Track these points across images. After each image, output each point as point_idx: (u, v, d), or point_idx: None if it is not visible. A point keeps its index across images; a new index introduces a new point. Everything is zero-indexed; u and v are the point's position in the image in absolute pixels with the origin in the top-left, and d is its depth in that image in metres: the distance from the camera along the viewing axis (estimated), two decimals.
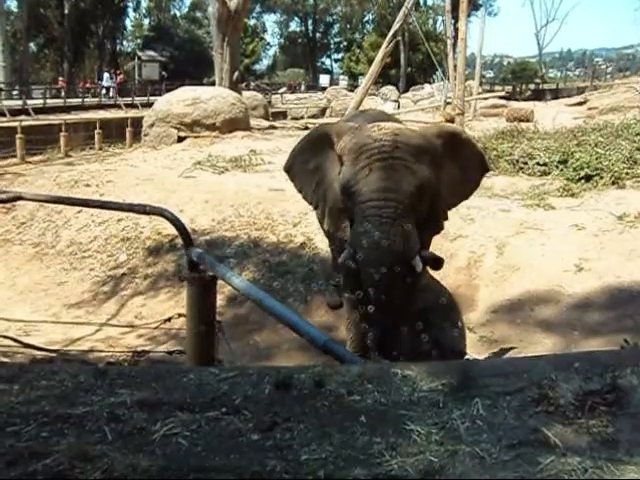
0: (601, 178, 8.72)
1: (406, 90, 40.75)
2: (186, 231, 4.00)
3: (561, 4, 70.54)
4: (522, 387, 1.78)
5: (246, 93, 21.26)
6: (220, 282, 3.59)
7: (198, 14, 54.78)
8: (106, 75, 38.45)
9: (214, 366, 2.95)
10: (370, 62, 17.76)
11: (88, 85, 36.32)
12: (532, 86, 50.97)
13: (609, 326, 5.25)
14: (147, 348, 5.54)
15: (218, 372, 1.90)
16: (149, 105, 19.27)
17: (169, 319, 5.50)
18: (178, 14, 57.25)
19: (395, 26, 15.03)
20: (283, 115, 28.98)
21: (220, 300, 5.55)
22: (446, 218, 4.24)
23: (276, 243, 7.12)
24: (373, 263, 3.47)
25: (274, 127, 18.21)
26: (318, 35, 61.03)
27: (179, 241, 5.36)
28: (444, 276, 6.36)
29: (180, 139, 14.11)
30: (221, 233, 7.56)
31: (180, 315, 5.04)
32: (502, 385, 1.79)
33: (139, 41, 52.90)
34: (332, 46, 62.56)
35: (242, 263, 6.95)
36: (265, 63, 61.44)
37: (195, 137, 13.98)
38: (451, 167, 4.05)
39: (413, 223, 3.62)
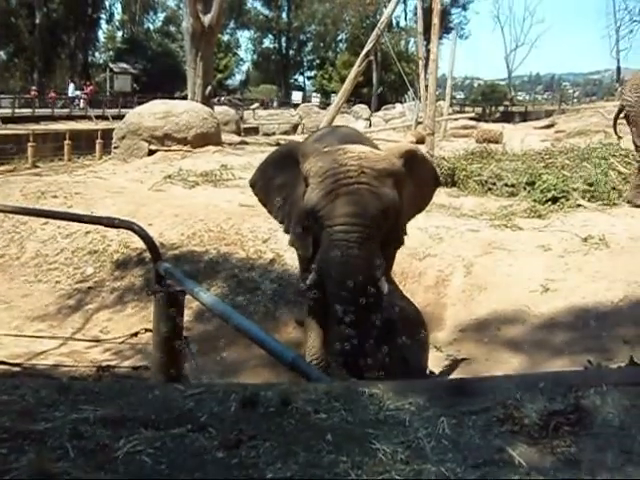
0: (567, 200, 8.88)
1: (378, 109, 41.09)
2: (154, 245, 3.97)
3: (530, 29, 72.05)
4: (488, 407, 1.79)
5: (218, 108, 21.24)
6: (188, 297, 3.57)
7: (172, 28, 54.73)
8: (71, 86, 38.03)
9: (180, 382, 2.91)
10: (342, 80, 17.91)
11: (51, 95, 35.67)
12: (501, 108, 51.85)
13: (574, 346, 5.32)
14: (112, 363, 5.46)
15: (184, 388, 1.88)
16: (120, 117, 19.15)
17: (135, 334, 5.42)
18: (152, 27, 57.21)
19: (368, 46, 15.18)
20: (255, 131, 29.01)
21: (188, 315, 5.50)
22: (405, 233, 4.33)
23: (245, 259, 7.09)
24: (341, 286, 3.56)
25: (246, 142, 18.22)
26: (291, 52, 61.35)
27: (147, 255, 5.31)
28: (412, 294, 6.40)
29: (151, 152, 14.02)
30: (190, 248, 7.50)
31: (147, 330, 4.98)
32: (468, 404, 1.80)
33: (111, 53, 52.65)
34: (305, 63, 62.92)
35: (211, 278, 6.90)
36: (238, 78, 61.56)
37: (166, 151, 13.91)
38: (410, 185, 4.16)
39: (378, 244, 3.74)
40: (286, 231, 4.44)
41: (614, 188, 9.28)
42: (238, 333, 3.24)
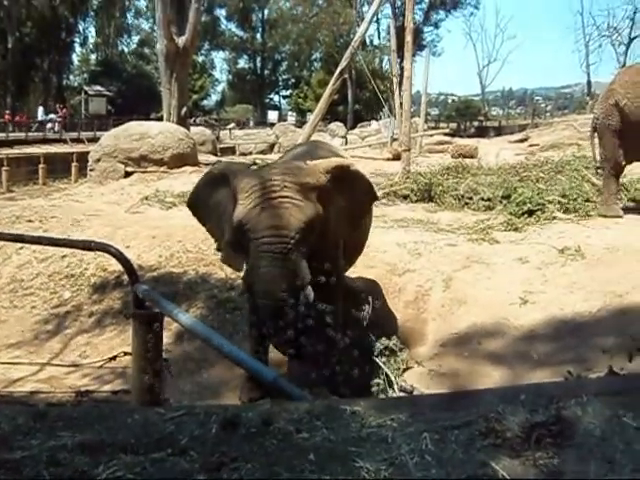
0: (543, 213, 8.96)
1: (353, 126, 41.37)
2: (132, 267, 3.94)
3: (502, 45, 73.16)
4: (470, 420, 1.78)
5: (194, 129, 21.24)
6: (168, 319, 3.55)
7: (146, 50, 54.77)
8: (40, 109, 37.72)
9: (160, 405, 2.88)
10: (318, 99, 18.01)
11: (17, 119, 35.27)
12: (476, 123, 52.45)
13: (554, 357, 5.35)
14: (91, 388, 5.38)
15: (164, 412, 1.86)
16: (96, 140, 19.05)
17: (114, 357, 5.36)
18: (126, 50, 57.18)
19: (342, 64, 15.28)
20: (232, 151, 29.01)
21: (167, 337, 5.45)
22: (337, 247, 4.54)
23: (224, 279, 7.04)
24: (266, 295, 3.81)
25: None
26: (266, 72, 61.64)
27: (125, 278, 5.26)
28: (393, 310, 6.41)
29: (127, 174, 13.95)
30: (169, 269, 7.44)
31: (126, 353, 4.94)
32: (450, 419, 1.80)
33: (86, 75, 52.48)
34: (280, 83, 63.23)
35: (190, 299, 6.84)
36: (214, 99, 61.68)
37: (142, 172, 13.85)
38: (341, 200, 4.36)
39: (304, 256, 3.92)
40: (219, 249, 4.64)
41: (588, 200, 9.39)
42: (218, 354, 3.23)
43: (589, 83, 54.94)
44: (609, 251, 7.17)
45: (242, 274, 4.10)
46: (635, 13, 51.84)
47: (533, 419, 1.78)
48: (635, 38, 50.61)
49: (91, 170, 14.60)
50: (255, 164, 7.03)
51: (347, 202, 4.45)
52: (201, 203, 4.69)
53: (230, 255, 4.42)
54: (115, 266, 6.55)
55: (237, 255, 4.27)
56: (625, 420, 1.85)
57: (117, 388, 5.12)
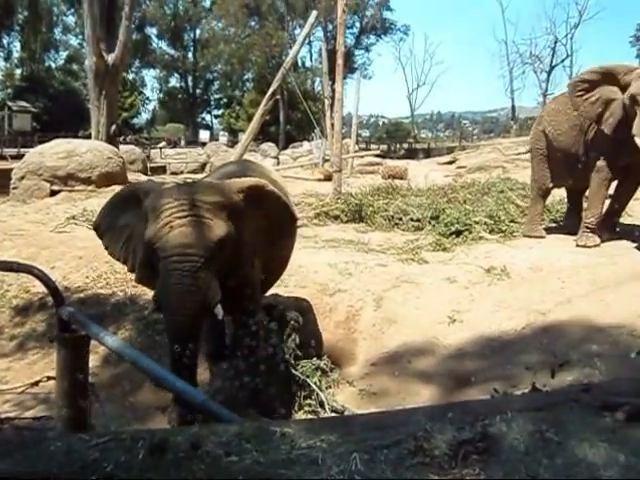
0: (470, 233, 9.20)
1: (285, 147, 41.50)
2: (56, 289, 3.83)
3: (430, 70, 75.04)
4: (399, 440, 1.80)
5: (124, 147, 20.89)
6: (95, 342, 3.46)
7: (75, 66, 53.65)
8: None
9: (86, 432, 2.80)
10: (250, 119, 18.00)
11: None
12: (406, 145, 53.40)
13: (481, 375, 5.46)
14: (12, 414, 5.16)
15: (89, 438, 1.80)
16: (19, 157, 18.45)
17: (37, 383, 5.17)
18: (53, 65, 55.83)
19: (274, 85, 15.35)
20: (162, 170, 28.60)
21: (95, 360, 5.30)
22: (252, 266, 4.55)
23: None
24: (175, 311, 3.83)
25: (152, 181, 17.93)
26: (198, 91, 61.26)
27: (50, 299, 5.10)
28: (323, 330, 6.43)
29: (53, 193, 13.55)
30: (96, 290, 7.26)
31: (49, 378, 4.77)
32: (379, 438, 1.81)
33: (10, 91, 50.92)
34: (212, 102, 62.94)
35: (118, 321, 6.68)
36: (144, 117, 60.77)
37: (69, 191, 13.49)
38: (255, 219, 4.41)
39: (214, 275, 3.95)
40: (131, 270, 4.59)
41: (513, 221, 9.70)
42: (147, 377, 3.17)
43: (513, 108, 56.85)
44: (533, 270, 7.41)
45: (155, 293, 4.06)
46: (556, 43, 54.14)
47: (460, 437, 1.81)
48: (556, 66, 52.80)
49: (14, 188, 14.11)
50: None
51: (262, 222, 4.48)
52: (108, 224, 4.62)
53: (144, 275, 4.40)
54: (39, 287, 6.35)
55: (151, 275, 4.24)
56: (548, 435, 1.90)
57: (40, 414, 4.93)
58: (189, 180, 4.86)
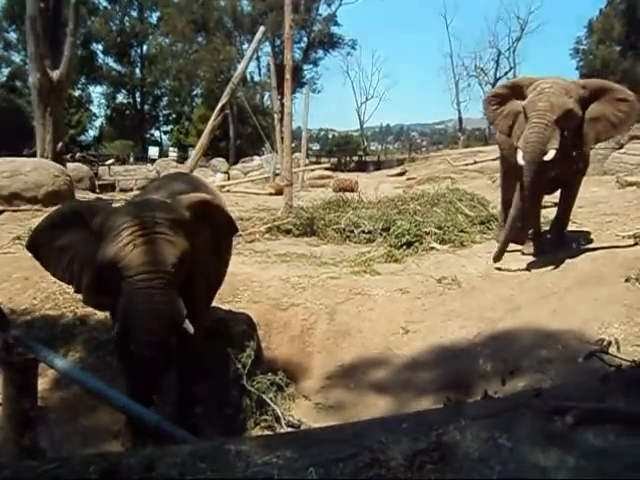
0: (421, 244, 9.29)
1: (236, 162, 41.27)
2: (1, 311, 3.73)
3: (378, 83, 75.93)
4: (355, 452, 1.81)
5: (71, 165, 20.50)
6: (44, 365, 3.37)
7: (18, 83, 52.54)
8: None
9: (35, 458, 2.72)
10: (199, 134, 17.94)
11: None
12: (356, 158, 53.78)
13: (435, 384, 5.52)
14: None
15: (38, 464, 1.76)
16: None
17: None
18: None
19: (223, 100, 15.33)
20: (112, 187, 28.13)
21: (44, 384, 5.17)
22: (204, 280, 4.61)
23: (104, 320, 6.76)
24: (147, 331, 3.72)
25: (101, 200, 17.65)
26: (146, 107, 60.58)
27: None
28: (278, 346, 6.41)
29: None
30: (44, 312, 7.08)
31: None
32: (335, 452, 1.81)
33: None
34: (161, 118, 62.28)
35: (68, 343, 6.53)
36: (92, 134, 59.74)
37: (14, 211, 13.17)
38: (203, 234, 4.41)
39: (177, 290, 3.93)
40: (77, 290, 4.50)
41: (462, 230, 9.83)
42: (99, 399, 3.10)
43: (460, 120, 57.89)
44: (483, 279, 7.53)
45: (116, 315, 3.96)
46: (499, 56, 55.51)
47: (415, 447, 1.83)
48: (500, 78, 53.84)
49: None
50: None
51: (209, 236, 4.50)
52: (46, 245, 4.46)
53: (92, 296, 4.34)
54: None
55: (101, 295, 4.19)
56: (500, 442, 1.94)
57: None
58: (137, 198, 4.75)
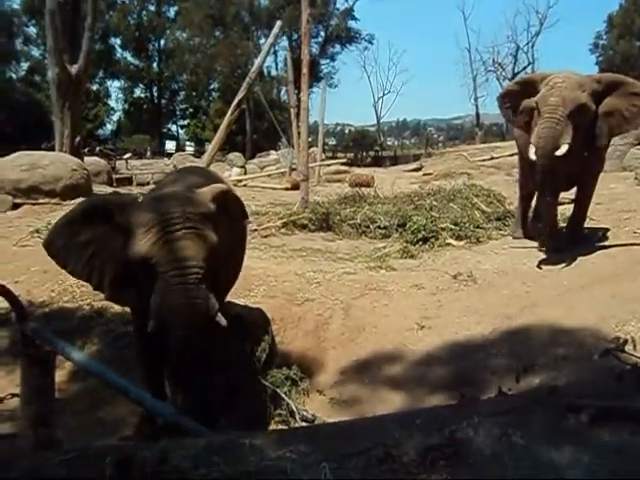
0: (437, 240, 9.27)
1: (252, 156, 41.30)
2: (19, 304, 3.77)
3: (395, 78, 75.64)
4: (368, 447, 1.81)
5: (88, 159, 20.60)
6: (61, 357, 3.41)
7: (37, 78, 52.92)
8: None
9: (52, 449, 2.76)
10: (216, 129, 17.96)
11: None
12: (372, 153, 53.74)
13: (449, 380, 5.51)
14: None
15: (54, 455, 1.78)
16: None
17: (1, 400, 5.07)
18: (15, 77, 54.99)
19: (240, 95, 15.33)
20: (128, 181, 28.25)
21: (61, 376, 5.22)
22: (226, 273, 4.68)
23: (121, 312, 6.83)
24: (185, 326, 3.76)
25: (118, 193, 17.74)
26: (164, 101, 60.82)
27: (14, 315, 5.01)
28: (292, 340, 6.43)
29: (16, 206, 13.32)
30: (61, 304, 7.15)
31: (13, 395, 4.68)
32: (348, 447, 1.82)
33: None
34: (178, 112, 62.51)
35: (86, 335, 6.59)
36: (109, 128, 60.06)
37: (33, 204, 13.27)
38: (225, 225, 4.40)
39: (209, 284, 3.96)
40: (97, 287, 4.49)
41: (478, 226, 9.79)
42: (114, 391, 3.13)
43: (477, 115, 57.59)
44: (498, 275, 7.49)
45: (152, 308, 3.93)
46: (517, 50, 55.12)
47: (428, 442, 1.83)
48: (518, 73, 53.45)
49: None
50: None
51: (230, 226, 4.52)
52: (65, 242, 4.41)
53: (116, 292, 4.36)
54: (2, 302, 6.24)
55: (127, 291, 4.22)
56: (513, 439, 1.94)
57: (4, 432, 4.83)
58: (160, 192, 4.70)
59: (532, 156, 7.19)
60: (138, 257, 3.90)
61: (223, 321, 3.97)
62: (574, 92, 7.07)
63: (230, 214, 4.56)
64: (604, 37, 52.65)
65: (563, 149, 6.97)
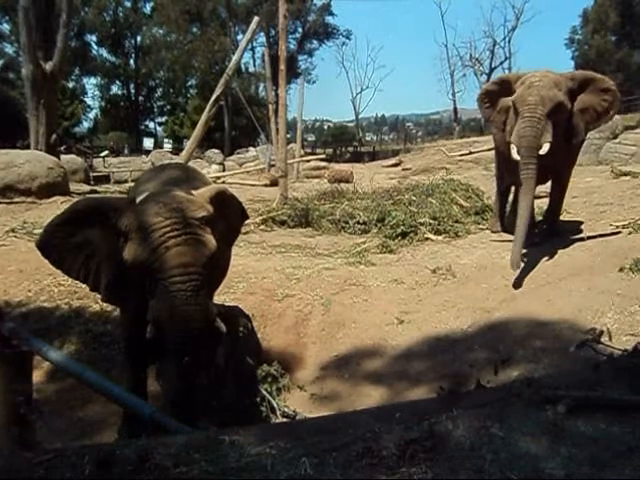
0: (415, 234, 9.32)
1: (231, 153, 41.16)
2: None
3: (373, 74, 75.68)
4: (347, 442, 1.82)
5: (65, 157, 20.40)
6: (39, 357, 3.38)
7: (11, 75, 52.25)
8: None
9: (30, 449, 2.73)
10: (194, 125, 17.82)
11: None
12: (351, 149, 53.71)
13: (429, 374, 5.54)
14: None
15: (32, 456, 1.77)
16: None
17: None
18: None
19: (217, 91, 15.26)
20: (106, 179, 28.03)
21: (39, 376, 5.17)
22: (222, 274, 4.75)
23: (99, 312, 6.79)
24: (184, 332, 3.72)
25: (96, 191, 17.60)
26: (141, 98, 60.37)
27: None
28: (273, 336, 6.42)
29: None
30: (39, 304, 7.08)
31: None
32: (328, 442, 1.83)
33: None
34: (156, 109, 62.07)
35: (63, 335, 6.53)
36: (86, 126, 59.51)
37: (8, 203, 13.13)
38: (221, 224, 4.37)
39: (208, 289, 3.97)
40: (94, 289, 4.43)
41: (457, 221, 9.85)
42: (94, 391, 3.11)
43: (455, 110, 57.85)
44: (477, 269, 7.55)
45: (151, 314, 3.88)
46: (494, 45, 55.44)
47: (407, 436, 1.84)
48: (495, 68, 53.96)
49: None
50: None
51: (225, 227, 4.48)
52: (59, 242, 4.31)
53: (112, 294, 4.30)
54: None
55: (124, 294, 4.17)
56: (492, 431, 1.95)
57: None
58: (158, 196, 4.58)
59: (515, 156, 7.25)
60: (138, 261, 3.86)
61: (222, 327, 3.97)
62: (552, 91, 7.15)
63: (227, 215, 4.51)
64: (579, 32, 53.15)
65: (545, 148, 7.06)
